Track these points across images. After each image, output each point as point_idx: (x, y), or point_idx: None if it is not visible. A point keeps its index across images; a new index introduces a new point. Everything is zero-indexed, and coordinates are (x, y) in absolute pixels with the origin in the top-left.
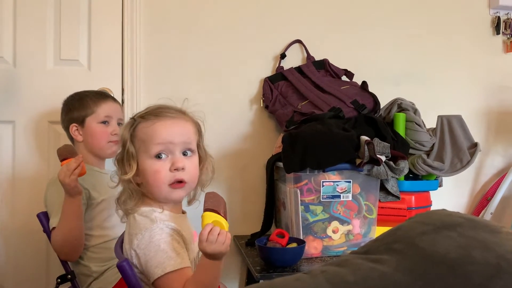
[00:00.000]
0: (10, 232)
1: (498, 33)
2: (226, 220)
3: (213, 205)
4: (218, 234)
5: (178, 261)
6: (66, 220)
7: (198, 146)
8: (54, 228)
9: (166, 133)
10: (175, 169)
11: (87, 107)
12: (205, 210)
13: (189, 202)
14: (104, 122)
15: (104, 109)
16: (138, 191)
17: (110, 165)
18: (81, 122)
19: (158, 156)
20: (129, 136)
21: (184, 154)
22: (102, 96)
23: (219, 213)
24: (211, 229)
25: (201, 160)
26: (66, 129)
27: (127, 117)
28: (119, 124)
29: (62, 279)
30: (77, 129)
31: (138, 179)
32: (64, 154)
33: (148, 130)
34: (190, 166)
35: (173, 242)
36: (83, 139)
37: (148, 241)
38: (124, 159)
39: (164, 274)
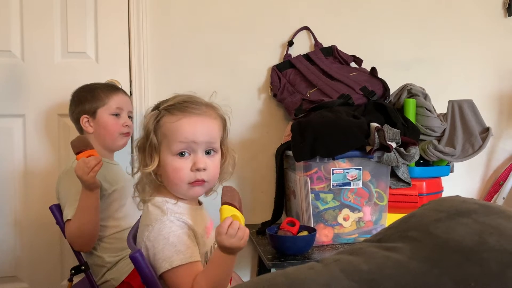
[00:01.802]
0: (24, 224)
1: (509, 15)
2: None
3: (231, 199)
4: (238, 229)
5: (187, 255)
6: (83, 213)
7: (222, 142)
8: (68, 220)
9: (191, 132)
10: (196, 169)
11: (98, 99)
12: (223, 203)
13: (206, 193)
14: (115, 115)
15: (115, 101)
16: (155, 183)
17: (118, 157)
18: (92, 114)
19: (181, 154)
20: (153, 128)
21: (207, 152)
22: (113, 88)
23: (236, 208)
24: (231, 223)
25: (222, 156)
26: (76, 120)
27: (135, 109)
28: (129, 117)
29: (76, 270)
30: (87, 121)
31: (158, 170)
32: (79, 146)
33: (172, 126)
34: (211, 166)
35: (183, 235)
36: (94, 130)
37: (157, 234)
38: (146, 150)
39: (172, 268)
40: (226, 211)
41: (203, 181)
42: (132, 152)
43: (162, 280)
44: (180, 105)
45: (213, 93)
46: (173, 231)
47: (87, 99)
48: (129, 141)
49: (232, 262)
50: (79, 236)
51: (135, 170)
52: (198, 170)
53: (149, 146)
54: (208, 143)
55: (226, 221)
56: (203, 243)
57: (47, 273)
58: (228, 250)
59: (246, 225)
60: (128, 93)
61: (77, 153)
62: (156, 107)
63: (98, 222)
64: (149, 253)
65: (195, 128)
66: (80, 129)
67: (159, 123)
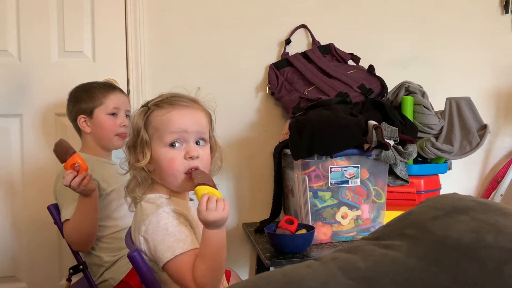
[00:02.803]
0: (22, 224)
1: (506, 12)
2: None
3: (202, 180)
4: (217, 201)
5: (188, 243)
6: (82, 213)
7: (209, 136)
8: (67, 220)
9: (181, 122)
10: (189, 158)
11: (95, 99)
12: (196, 185)
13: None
14: (112, 114)
15: (113, 101)
16: (148, 179)
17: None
18: (89, 113)
19: (172, 145)
20: (143, 124)
21: (197, 143)
22: (110, 87)
23: (210, 186)
24: (208, 198)
25: (211, 150)
26: (74, 120)
27: (133, 108)
28: (126, 116)
29: (75, 269)
30: (85, 121)
31: (150, 167)
32: (61, 155)
33: (163, 118)
34: (203, 155)
35: (181, 224)
36: (91, 130)
37: (156, 226)
38: (137, 147)
39: (174, 257)
40: (201, 190)
41: (197, 169)
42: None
43: (164, 271)
44: (168, 99)
45: (198, 89)
46: (171, 221)
47: (84, 98)
48: None
49: (222, 237)
50: (78, 236)
51: (126, 170)
52: (191, 158)
53: (140, 143)
54: (199, 132)
55: (203, 198)
56: (199, 233)
57: (46, 273)
58: (214, 224)
59: (245, 224)
60: (126, 92)
61: (63, 162)
62: (144, 105)
63: (96, 223)
64: (149, 246)
65: (186, 118)
66: (78, 129)
67: (149, 118)
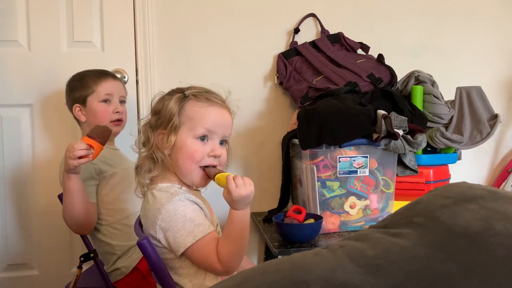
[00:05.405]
0: (34, 213)
1: None
2: None
3: (218, 170)
4: (242, 178)
5: (206, 227)
6: (68, 195)
7: None
8: None
9: (216, 120)
10: (213, 155)
11: (87, 87)
12: (215, 175)
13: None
14: (105, 101)
15: (104, 88)
16: (165, 161)
17: (118, 143)
18: (83, 102)
19: (202, 138)
20: (178, 110)
21: (220, 143)
22: (101, 74)
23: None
24: (233, 177)
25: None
26: (70, 110)
27: (142, 97)
28: (121, 101)
29: (85, 257)
30: (80, 110)
31: (167, 151)
32: (92, 132)
33: (201, 110)
34: (224, 155)
35: (197, 210)
36: (86, 119)
37: (173, 214)
38: (160, 128)
39: (196, 241)
40: (222, 176)
41: (215, 167)
42: (139, 133)
43: (185, 256)
44: (205, 94)
45: (228, 92)
46: (188, 208)
47: (77, 87)
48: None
49: (248, 217)
50: (70, 219)
51: (142, 149)
52: (214, 156)
53: (170, 127)
54: (225, 133)
55: (229, 178)
56: (212, 220)
57: (57, 260)
58: (246, 200)
59: (253, 213)
60: (135, 82)
61: (87, 135)
62: (179, 91)
63: (86, 204)
64: (167, 235)
65: (220, 117)
66: (76, 118)
67: (183, 106)
